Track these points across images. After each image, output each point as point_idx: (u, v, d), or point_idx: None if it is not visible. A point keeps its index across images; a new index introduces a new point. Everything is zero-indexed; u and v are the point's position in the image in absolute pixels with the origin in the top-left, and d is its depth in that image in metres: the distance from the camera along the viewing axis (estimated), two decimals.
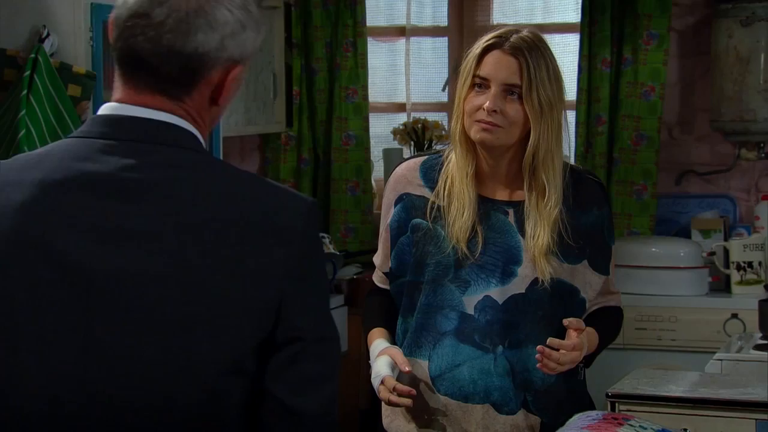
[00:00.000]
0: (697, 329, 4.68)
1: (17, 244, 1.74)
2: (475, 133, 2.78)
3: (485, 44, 2.80)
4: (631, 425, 2.51)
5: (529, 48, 2.77)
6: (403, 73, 5.64)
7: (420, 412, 2.84)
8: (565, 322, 2.73)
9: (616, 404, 2.89)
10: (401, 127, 5.47)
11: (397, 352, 2.80)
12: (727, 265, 4.89)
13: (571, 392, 2.86)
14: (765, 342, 3.86)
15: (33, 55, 3.68)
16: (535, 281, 2.81)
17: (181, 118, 1.79)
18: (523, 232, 2.83)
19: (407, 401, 2.73)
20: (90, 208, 1.74)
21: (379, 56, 5.65)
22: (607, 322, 2.93)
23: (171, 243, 1.72)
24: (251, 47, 1.82)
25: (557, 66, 2.82)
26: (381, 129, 5.65)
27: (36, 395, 1.73)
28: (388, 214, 2.94)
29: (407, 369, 2.75)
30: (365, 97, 5.46)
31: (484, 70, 2.78)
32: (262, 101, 5.15)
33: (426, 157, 2.95)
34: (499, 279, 2.81)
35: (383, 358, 2.78)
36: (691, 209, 5.21)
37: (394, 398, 2.71)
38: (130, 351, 1.72)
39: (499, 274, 2.81)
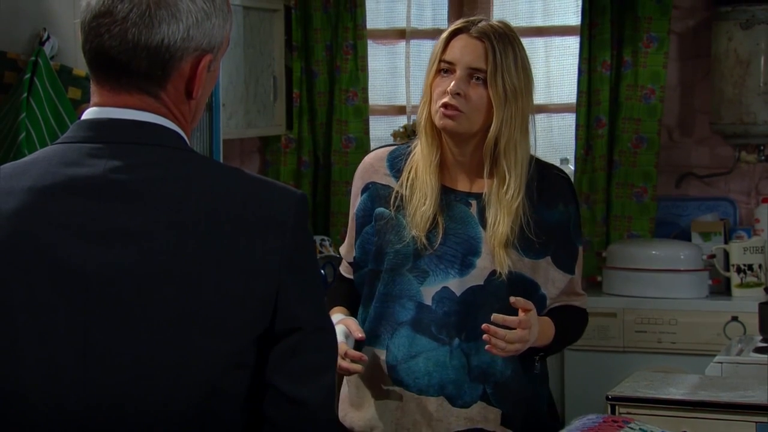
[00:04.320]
0: (697, 332, 4.67)
1: (12, 251, 1.75)
2: (438, 120, 2.78)
3: (452, 29, 2.81)
4: (631, 428, 2.51)
5: (496, 34, 2.77)
6: (403, 75, 5.63)
7: (375, 402, 2.84)
8: (512, 299, 2.70)
9: (616, 407, 2.89)
10: (401, 129, 5.46)
11: (352, 322, 2.79)
12: (727, 268, 4.89)
13: (529, 385, 2.84)
14: (765, 345, 3.85)
15: (33, 58, 3.68)
16: (494, 273, 2.79)
17: (162, 116, 1.80)
18: (484, 224, 2.81)
19: (358, 367, 2.72)
20: (82, 211, 1.75)
21: (379, 59, 5.64)
22: (567, 318, 2.90)
23: (164, 241, 1.73)
24: (219, 35, 1.82)
25: (526, 57, 2.81)
26: (381, 132, 5.64)
27: (38, 398, 1.73)
28: (355, 203, 2.93)
29: (360, 335, 2.74)
30: (365, 99, 5.45)
31: (450, 54, 2.78)
32: (262, 104, 5.15)
33: (395, 146, 2.95)
34: (458, 270, 2.80)
35: (338, 326, 2.76)
36: (691, 212, 5.21)
37: (345, 364, 2.70)
38: (129, 350, 1.72)
39: (458, 265, 2.80)
